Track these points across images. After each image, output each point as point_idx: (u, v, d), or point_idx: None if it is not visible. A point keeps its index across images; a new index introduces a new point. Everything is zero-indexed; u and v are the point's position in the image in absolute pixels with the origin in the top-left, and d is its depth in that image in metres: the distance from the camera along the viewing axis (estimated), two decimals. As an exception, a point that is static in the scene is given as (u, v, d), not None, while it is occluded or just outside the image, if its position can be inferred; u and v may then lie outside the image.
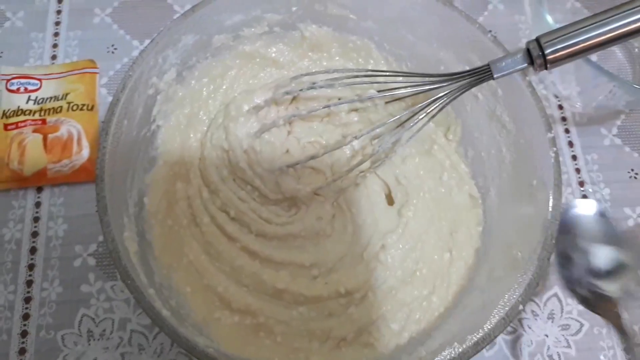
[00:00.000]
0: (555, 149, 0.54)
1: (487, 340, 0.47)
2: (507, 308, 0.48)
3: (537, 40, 0.53)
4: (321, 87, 0.60)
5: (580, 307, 0.68)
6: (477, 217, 0.62)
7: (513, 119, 0.60)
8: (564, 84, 0.80)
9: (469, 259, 0.59)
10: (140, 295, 0.45)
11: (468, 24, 0.60)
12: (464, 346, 0.47)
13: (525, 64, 0.54)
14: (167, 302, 0.50)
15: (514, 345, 0.65)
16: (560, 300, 0.68)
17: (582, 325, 0.67)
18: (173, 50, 0.58)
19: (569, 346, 0.66)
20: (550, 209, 0.52)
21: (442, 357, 0.47)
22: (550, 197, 0.52)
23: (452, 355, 0.46)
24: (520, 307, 0.48)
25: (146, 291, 0.46)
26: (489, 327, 0.48)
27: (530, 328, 0.66)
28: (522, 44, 0.75)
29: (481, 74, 0.56)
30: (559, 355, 0.65)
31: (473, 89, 0.63)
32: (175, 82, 0.61)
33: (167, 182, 0.59)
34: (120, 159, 0.53)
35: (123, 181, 0.54)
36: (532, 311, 0.67)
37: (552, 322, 0.67)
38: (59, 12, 0.79)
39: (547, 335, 0.66)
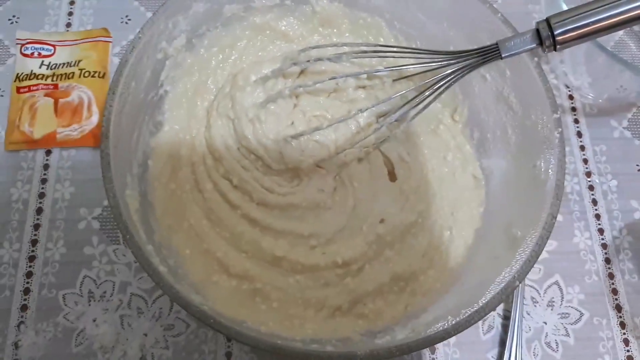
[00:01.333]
0: (560, 129, 0.54)
1: (481, 314, 0.47)
2: (502, 284, 0.48)
3: (547, 20, 0.53)
4: (329, 59, 0.60)
5: (581, 297, 0.68)
6: (479, 198, 0.61)
7: (520, 100, 0.59)
8: (575, 75, 0.79)
9: (469, 238, 0.59)
10: (138, 250, 0.46)
11: (479, 3, 0.60)
12: (457, 319, 0.47)
13: (534, 45, 0.54)
14: (165, 261, 0.50)
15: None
16: (561, 289, 0.68)
17: (582, 314, 0.67)
18: (184, 16, 0.59)
19: (567, 335, 0.66)
20: (553, 190, 0.52)
21: (435, 329, 0.47)
22: (554, 178, 0.52)
23: (445, 327, 0.46)
24: (517, 283, 0.48)
25: (145, 247, 0.47)
26: (484, 301, 0.47)
27: (529, 314, 0.66)
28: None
29: (489, 53, 0.55)
30: (557, 343, 0.65)
31: (481, 70, 0.63)
32: (184, 48, 0.61)
33: (171, 147, 0.60)
34: (127, 119, 0.53)
35: (128, 141, 0.55)
36: (532, 298, 0.67)
37: (552, 309, 0.67)
38: (75, -20, 0.80)
39: (545, 323, 0.66)
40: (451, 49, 0.65)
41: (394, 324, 0.53)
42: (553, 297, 0.67)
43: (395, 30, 0.68)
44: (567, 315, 0.67)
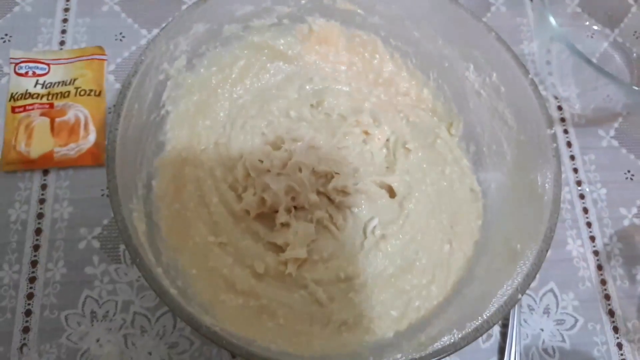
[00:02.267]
0: (555, 144, 0.56)
1: (486, 327, 0.48)
2: (505, 297, 0.50)
3: None
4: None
5: (576, 303, 0.70)
6: (477, 210, 0.63)
7: (515, 116, 0.61)
8: (563, 86, 0.81)
9: (469, 251, 0.61)
10: (149, 273, 0.46)
11: (473, 21, 0.61)
12: (463, 332, 0.48)
13: None
14: (175, 282, 0.50)
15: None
16: (556, 296, 0.70)
17: (577, 320, 0.69)
18: (184, 37, 0.59)
19: (563, 340, 0.68)
20: (550, 204, 0.53)
21: (442, 343, 0.48)
22: (551, 192, 0.54)
23: (452, 340, 0.48)
24: (519, 296, 0.49)
25: (154, 269, 0.47)
26: (488, 314, 0.49)
27: (526, 322, 0.68)
28: (524, 46, 0.78)
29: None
30: (553, 349, 0.67)
31: (475, 85, 0.64)
32: (185, 69, 0.62)
33: (175, 166, 0.60)
34: (131, 142, 0.53)
35: (132, 163, 0.55)
36: (529, 305, 0.69)
37: (548, 316, 0.69)
38: (68, -1, 0.80)
39: (542, 330, 0.68)
40: (446, 65, 0.66)
41: (400, 338, 0.54)
42: (549, 304, 0.69)
43: (391, 47, 0.69)
44: (562, 321, 0.69)
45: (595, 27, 0.87)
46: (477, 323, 0.48)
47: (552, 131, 0.56)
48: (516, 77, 0.59)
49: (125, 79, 0.53)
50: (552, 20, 0.71)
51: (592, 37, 0.88)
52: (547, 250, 0.51)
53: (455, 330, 0.49)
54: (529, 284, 0.50)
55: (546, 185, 0.55)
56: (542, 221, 0.53)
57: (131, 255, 0.46)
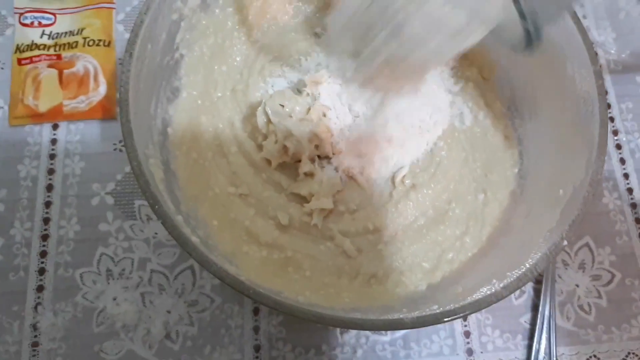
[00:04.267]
0: (601, 81, 0.52)
1: (530, 275, 0.45)
2: (549, 244, 0.46)
3: None
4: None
5: (612, 258, 0.66)
6: (512, 158, 0.59)
7: (554, 54, 0.57)
8: (598, 30, 0.77)
9: (504, 200, 0.57)
10: (169, 221, 0.43)
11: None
12: (505, 281, 0.45)
13: None
14: (195, 231, 0.47)
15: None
16: (591, 250, 0.66)
17: (613, 276, 0.65)
18: (199, -28, 0.55)
19: (600, 297, 0.64)
20: (596, 146, 0.49)
21: (481, 293, 0.45)
22: (596, 134, 0.50)
23: (493, 290, 0.45)
24: (564, 242, 0.46)
25: (175, 217, 0.44)
26: (531, 262, 0.46)
27: (560, 277, 0.64)
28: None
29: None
30: (589, 305, 0.64)
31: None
32: (199, 9, 0.58)
33: (190, 114, 0.57)
34: (144, 85, 0.50)
35: (147, 108, 0.51)
36: (563, 260, 0.65)
37: (583, 272, 0.65)
38: (73, -56, 0.76)
39: (577, 285, 0.64)
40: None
41: (433, 290, 0.51)
42: (584, 260, 0.66)
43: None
44: (598, 277, 0.65)
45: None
46: (519, 272, 0.45)
47: (598, 68, 0.52)
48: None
49: (137, 17, 0.50)
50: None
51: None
52: (593, 195, 0.48)
53: (495, 280, 0.46)
54: (575, 229, 0.46)
55: (592, 127, 0.50)
56: (588, 163, 0.49)
57: (149, 201, 0.43)
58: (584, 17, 0.76)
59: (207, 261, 0.42)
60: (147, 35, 0.50)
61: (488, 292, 0.44)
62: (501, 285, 0.44)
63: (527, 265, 0.45)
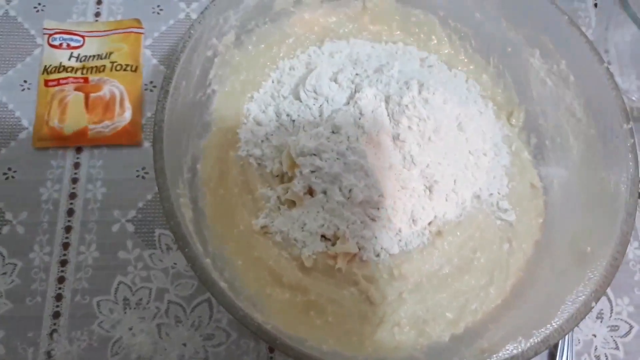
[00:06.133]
0: (633, 140, 0.51)
1: (557, 336, 0.45)
2: (577, 305, 0.46)
3: None
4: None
5: (631, 309, 0.66)
6: (538, 207, 0.59)
7: (584, 108, 0.57)
8: (622, 77, 0.77)
9: (529, 251, 0.57)
10: (198, 265, 0.43)
11: (544, 3, 0.57)
12: (532, 341, 0.44)
13: None
14: (222, 274, 0.47)
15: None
16: (610, 300, 0.66)
17: (631, 327, 0.65)
18: (234, 11, 0.56)
19: (617, 348, 0.64)
20: (625, 206, 0.49)
21: (507, 352, 0.45)
22: (627, 193, 0.50)
23: (519, 350, 0.44)
24: (593, 304, 0.45)
25: (203, 260, 0.44)
26: (558, 322, 0.45)
27: (578, 327, 0.64)
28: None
29: None
30: (606, 356, 0.63)
31: (541, 73, 0.60)
32: (233, 45, 0.58)
33: (219, 149, 0.57)
34: (177, 121, 0.50)
35: (178, 145, 0.51)
36: (581, 309, 0.65)
37: (601, 322, 0.65)
38: (104, -32, 0.76)
39: (595, 335, 0.64)
40: (509, 50, 0.62)
41: (457, 342, 0.50)
42: (602, 309, 0.65)
43: (449, 28, 0.65)
44: (616, 327, 0.65)
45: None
46: (546, 331, 0.45)
47: (629, 126, 0.52)
48: (589, 65, 0.55)
49: (173, 54, 0.50)
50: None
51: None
52: (622, 255, 0.48)
53: (521, 338, 0.45)
54: (604, 292, 0.46)
55: (621, 185, 0.50)
56: (616, 224, 0.49)
57: (179, 244, 0.43)
58: (609, 63, 0.76)
59: (234, 307, 0.42)
60: (183, 73, 0.50)
61: (514, 352, 0.44)
62: (527, 344, 0.44)
63: (555, 325, 0.45)
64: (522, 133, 0.63)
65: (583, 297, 0.46)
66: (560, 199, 0.58)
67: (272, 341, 0.41)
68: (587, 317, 0.62)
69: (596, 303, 0.46)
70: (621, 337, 0.64)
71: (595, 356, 0.63)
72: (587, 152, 0.56)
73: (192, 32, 0.51)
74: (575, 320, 0.45)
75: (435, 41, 0.65)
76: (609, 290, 0.66)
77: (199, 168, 0.55)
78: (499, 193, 0.58)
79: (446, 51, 0.65)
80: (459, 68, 0.65)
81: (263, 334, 0.41)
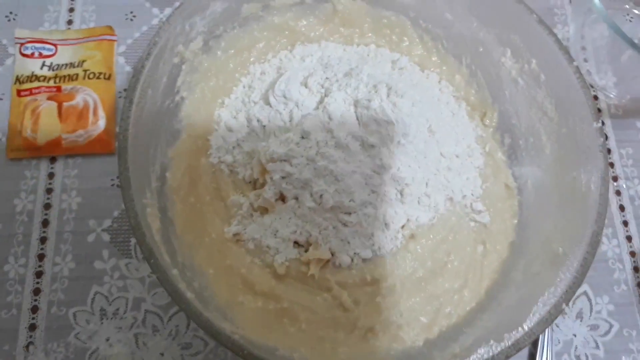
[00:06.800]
0: (602, 139, 0.51)
1: (527, 339, 0.44)
2: (548, 307, 0.46)
3: None
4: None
5: (611, 307, 0.66)
6: (512, 208, 0.59)
7: (556, 107, 0.57)
8: (599, 74, 0.77)
9: (503, 252, 0.57)
10: (164, 276, 0.42)
11: (513, 2, 0.57)
12: (503, 345, 0.44)
13: None
14: (191, 284, 0.47)
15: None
16: (589, 299, 0.66)
17: (611, 326, 0.65)
18: (201, 17, 0.55)
19: (597, 347, 0.64)
20: (596, 205, 0.49)
21: (479, 356, 0.44)
22: (597, 192, 0.50)
23: (490, 354, 0.44)
24: (563, 305, 0.45)
25: (170, 272, 0.44)
26: (529, 325, 0.45)
27: (558, 327, 0.64)
28: (557, 31, 0.72)
29: None
30: (586, 356, 0.63)
31: (513, 73, 0.60)
32: (201, 51, 0.58)
33: (190, 156, 0.56)
34: (144, 130, 0.50)
35: (146, 154, 0.51)
36: (560, 308, 0.65)
37: (581, 321, 0.65)
38: (76, -26, 0.76)
39: (575, 335, 0.64)
40: (481, 50, 0.62)
41: (430, 347, 0.50)
42: (582, 308, 0.65)
43: (420, 29, 0.65)
44: (596, 327, 0.65)
45: (635, 11, 0.82)
46: (517, 335, 0.45)
47: (599, 125, 0.52)
48: (559, 65, 0.55)
49: (138, 62, 0.49)
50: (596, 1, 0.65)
51: (630, 20, 0.82)
52: (593, 256, 0.47)
53: (492, 342, 0.45)
54: (574, 293, 0.46)
55: (591, 185, 0.50)
56: (587, 223, 0.49)
57: (145, 255, 0.43)
58: (585, 60, 0.76)
59: (200, 319, 0.42)
60: (148, 80, 0.50)
61: (485, 356, 0.44)
62: (498, 349, 0.44)
63: (525, 329, 0.45)
64: (496, 133, 0.63)
65: (554, 299, 0.46)
66: (534, 199, 0.58)
67: (238, 351, 0.41)
68: (566, 316, 0.63)
69: (567, 304, 0.46)
70: (601, 336, 0.64)
71: (575, 356, 0.63)
72: (559, 151, 0.56)
73: (156, 39, 0.50)
74: (547, 322, 0.45)
75: (408, 42, 0.65)
76: (588, 289, 0.66)
77: (168, 176, 0.54)
78: (472, 195, 0.58)
79: (418, 52, 0.65)
80: (432, 69, 0.64)
81: (229, 344, 0.41)
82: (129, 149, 0.46)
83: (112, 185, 0.65)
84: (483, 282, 0.55)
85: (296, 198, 0.53)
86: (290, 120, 0.56)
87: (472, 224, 0.57)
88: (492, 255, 0.56)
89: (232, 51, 0.61)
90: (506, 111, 0.62)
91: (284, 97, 0.56)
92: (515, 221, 0.58)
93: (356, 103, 0.55)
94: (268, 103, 0.58)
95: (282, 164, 0.53)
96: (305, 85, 0.58)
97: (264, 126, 0.57)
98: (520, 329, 0.45)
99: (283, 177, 0.53)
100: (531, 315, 0.46)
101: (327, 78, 0.58)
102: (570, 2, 0.78)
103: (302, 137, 0.53)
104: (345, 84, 0.56)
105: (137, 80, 0.48)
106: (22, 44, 0.70)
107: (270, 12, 0.61)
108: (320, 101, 0.56)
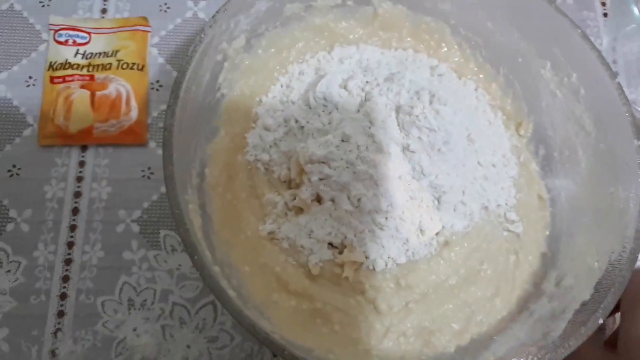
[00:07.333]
0: (642, 157, 0.51)
1: (562, 352, 0.45)
2: (583, 318, 0.46)
3: None
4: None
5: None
6: (545, 220, 0.59)
7: (594, 122, 0.57)
8: (630, 88, 0.77)
9: (535, 263, 0.57)
10: (207, 272, 0.43)
11: (557, 15, 0.57)
12: (539, 356, 0.44)
13: None
14: (230, 281, 0.47)
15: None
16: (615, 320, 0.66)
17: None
18: (245, 15, 0.55)
19: None
20: (635, 223, 0.49)
21: (514, 365, 0.45)
22: (636, 210, 0.50)
23: (526, 364, 0.44)
24: (600, 320, 0.46)
25: (212, 268, 0.44)
26: (565, 338, 0.45)
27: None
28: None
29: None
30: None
31: (551, 85, 0.60)
32: (243, 49, 0.58)
33: (227, 153, 0.56)
34: (186, 126, 0.50)
35: (187, 150, 0.51)
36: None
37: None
38: (112, -37, 0.75)
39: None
40: (520, 61, 0.62)
41: (462, 354, 0.51)
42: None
43: (459, 37, 0.65)
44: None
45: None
46: (552, 347, 0.45)
47: (639, 142, 0.52)
48: (601, 80, 0.55)
49: (184, 59, 0.49)
50: (634, 9, 0.65)
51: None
52: (630, 274, 0.48)
53: (527, 353, 0.45)
54: (611, 308, 0.46)
55: (630, 202, 0.50)
56: (625, 240, 0.49)
57: (188, 251, 0.43)
58: (617, 74, 0.76)
59: (242, 316, 0.42)
60: (193, 77, 0.50)
61: (521, 366, 0.44)
62: (535, 360, 0.44)
63: (562, 343, 0.45)
64: (530, 144, 0.63)
65: (589, 313, 0.46)
66: (568, 212, 0.58)
67: (279, 351, 0.41)
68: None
69: (604, 320, 0.46)
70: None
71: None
72: (595, 166, 0.56)
73: (202, 36, 0.50)
74: (582, 336, 0.45)
75: (446, 49, 0.65)
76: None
77: (207, 172, 0.54)
78: (506, 204, 0.58)
79: (456, 59, 0.65)
80: (469, 77, 0.64)
81: (270, 344, 0.41)
82: (173, 144, 0.46)
83: (143, 176, 0.65)
84: (515, 291, 0.55)
85: (333, 200, 0.53)
86: (329, 123, 0.56)
87: (505, 233, 0.58)
88: (524, 265, 0.56)
89: (273, 50, 0.61)
90: (542, 122, 0.62)
91: (324, 99, 0.57)
92: (547, 233, 0.58)
93: (398, 109, 0.55)
94: (307, 104, 0.58)
95: (321, 166, 0.53)
96: (345, 88, 0.58)
97: (302, 127, 0.57)
98: (555, 342, 0.45)
99: (321, 179, 0.53)
100: (566, 327, 0.46)
101: (367, 82, 0.58)
102: (605, 15, 0.78)
103: (343, 140, 0.54)
104: (386, 88, 0.56)
105: (184, 75, 0.48)
106: (56, 31, 0.70)
107: (312, 13, 0.61)
108: (361, 105, 0.57)
